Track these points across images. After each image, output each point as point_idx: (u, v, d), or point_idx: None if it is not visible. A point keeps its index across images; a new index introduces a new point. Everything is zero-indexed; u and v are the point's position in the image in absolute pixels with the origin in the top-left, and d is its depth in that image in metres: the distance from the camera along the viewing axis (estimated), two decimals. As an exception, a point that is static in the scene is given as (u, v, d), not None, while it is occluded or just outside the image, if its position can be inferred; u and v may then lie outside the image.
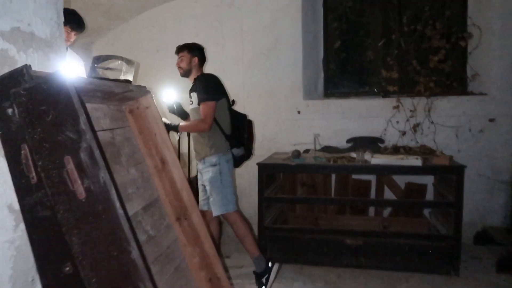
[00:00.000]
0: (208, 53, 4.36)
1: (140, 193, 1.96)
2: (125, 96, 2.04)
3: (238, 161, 3.05)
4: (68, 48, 3.04)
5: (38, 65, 1.53)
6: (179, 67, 3.06)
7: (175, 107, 3.15)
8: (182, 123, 2.99)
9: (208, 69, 4.17)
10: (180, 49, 3.05)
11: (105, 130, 1.83)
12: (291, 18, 4.17)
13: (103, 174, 1.25)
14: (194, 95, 2.94)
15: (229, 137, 2.93)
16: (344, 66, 4.39)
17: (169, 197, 2.16)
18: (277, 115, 4.27)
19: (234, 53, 4.34)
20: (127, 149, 2.01)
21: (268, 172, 3.52)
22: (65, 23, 2.78)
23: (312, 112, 4.18)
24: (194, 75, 3.06)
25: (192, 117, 3.01)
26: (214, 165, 2.84)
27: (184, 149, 3.88)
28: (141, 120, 2.16)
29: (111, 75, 2.50)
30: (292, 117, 4.23)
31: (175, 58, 3.16)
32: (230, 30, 4.36)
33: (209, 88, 2.89)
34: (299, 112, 4.22)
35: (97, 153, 1.26)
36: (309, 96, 4.27)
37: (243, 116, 3.13)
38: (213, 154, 2.87)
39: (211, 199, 2.89)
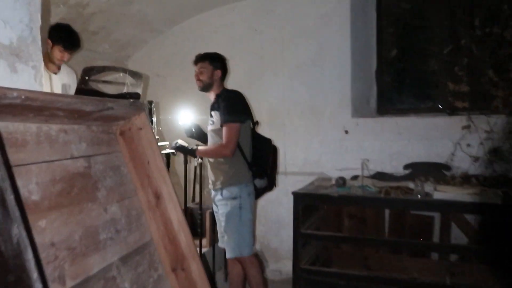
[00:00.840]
0: (245, 65, 3.97)
1: (121, 238, 1.53)
2: (111, 115, 1.64)
3: (259, 194, 2.66)
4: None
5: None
6: (199, 80, 2.68)
7: (193, 130, 2.79)
8: (200, 146, 2.57)
9: (244, 81, 3.78)
10: (201, 59, 2.69)
11: (75, 158, 1.43)
12: (338, 23, 3.64)
13: (18, 231, 0.85)
14: (216, 114, 2.55)
15: (251, 165, 2.48)
16: (402, 78, 3.75)
17: (163, 241, 1.72)
18: (322, 134, 3.72)
19: (273, 64, 3.89)
20: (110, 180, 1.60)
21: (306, 203, 2.97)
22: (57, 42, 2.60)
23: (362, 132, 3.58)
24: (215, 90, 2.67)
25: (212, 139, 2.61)
26: (234, 198, 2.39)
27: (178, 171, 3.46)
28: (134, 144, 1.75)
29: (111, 89, 2.18)
30: (338, 137, 3.66)
31: None
32: (269, 39, 3.92)
33: (234, 107, 2.48)
34: (346, 132, 3.64)
35: (10, 199, 0.87)
36: (359, 113, 3.68)
37: (268, 141, 2.71)
38: (234, 185, 2.45)
39: (225, 237, 2.44)
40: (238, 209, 2.38)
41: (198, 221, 3.16)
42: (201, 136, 2.79)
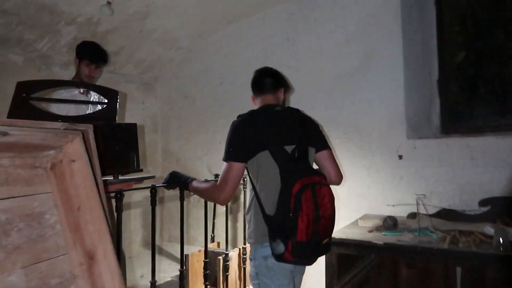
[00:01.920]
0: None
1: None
2: (31, 143, 1.19)
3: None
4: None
5: None
6: None
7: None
8: (196, 181, 1.89)
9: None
10: (281, 84, 1.94)
11: None
12: (387, 25, 2.98)
13: None
14: None
15: (270, 219, 1.64)
16: (473, 87, 2.94)
17: (96, 324, 1.19)
18: (369, 160, 3.02)
19: (310, 76, 3.29)
20: (17, 236, 1.13)
21: (341, 252, 2.28)
22: (83, 56, 2.45)
23: (421, 157, 2.83)
24: None
25: None
26: (250, 258, 1.76)
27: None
28: (66, 182, 1.28)
29: (66, 109, 1.77)
30: (390, 163, 2.93)
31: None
32: (305, 48, 3.35)
33: (232, 142, 1.75)
34: (401, 157, 2.90)
35: None
36: (416, 133, 2.93)
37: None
38: (251, 242, 1.77)
39: None
40: (255, 274, 1.70)
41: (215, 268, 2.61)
42: None
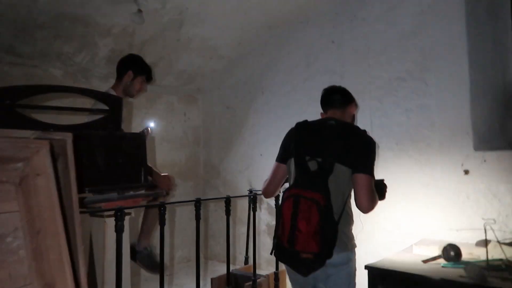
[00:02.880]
0: (322, 85, 3.12)
1: None
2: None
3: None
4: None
5: None
6: None
7: None
8: None
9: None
10: (349, 101, 1.98)
11: None
12: (447, 18, 2.55)
13: None
14: None
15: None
16: (560, 87, 2.40)
17: None
18: (427, 175, 2.58)
19: (357, 82, 2.94)
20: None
21: (388, 285, 1.89)
22: (141, 73, 2.49)
23: (492, 172, 2.35)
24: None
25: None
26: None
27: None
28: (31, 200, 1.10)
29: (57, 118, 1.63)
30: (454, 179, 2.48)
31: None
32: (351, 51, 3.01)
33: (282, 142, 1.93)
34: (466, 172, 2.44)
35: None
36: (487, 143, 2.46)
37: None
38: None
39: None
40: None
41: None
42: None
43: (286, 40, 3.46)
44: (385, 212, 2.63)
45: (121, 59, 2.55)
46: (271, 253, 1.73)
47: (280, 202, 1.81)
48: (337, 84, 2.92)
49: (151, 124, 3.21)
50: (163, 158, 3.86)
